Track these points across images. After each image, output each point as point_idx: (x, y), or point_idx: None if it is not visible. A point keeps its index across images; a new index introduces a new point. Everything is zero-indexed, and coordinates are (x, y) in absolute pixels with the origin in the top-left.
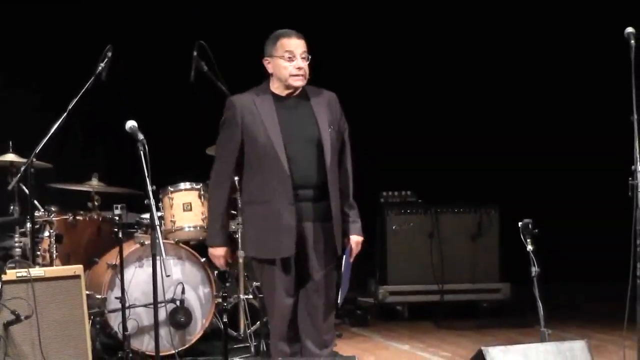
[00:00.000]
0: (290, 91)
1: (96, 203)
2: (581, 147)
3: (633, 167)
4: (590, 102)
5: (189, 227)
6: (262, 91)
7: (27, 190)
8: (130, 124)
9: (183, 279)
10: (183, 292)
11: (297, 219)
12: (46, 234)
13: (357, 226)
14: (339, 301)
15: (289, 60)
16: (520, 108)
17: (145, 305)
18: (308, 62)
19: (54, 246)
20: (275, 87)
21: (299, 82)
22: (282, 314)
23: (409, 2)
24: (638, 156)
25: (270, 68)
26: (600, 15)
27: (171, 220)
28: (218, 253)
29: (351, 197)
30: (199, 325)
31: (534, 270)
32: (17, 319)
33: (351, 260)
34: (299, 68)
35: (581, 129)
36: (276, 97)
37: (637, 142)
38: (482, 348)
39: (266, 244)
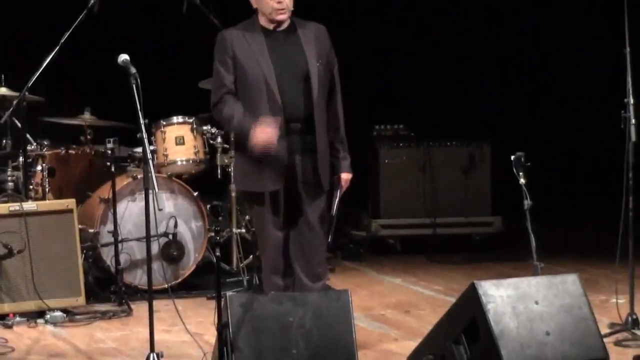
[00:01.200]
0: (276, 24)
1: (89, 137)
2: (574, 79)
3: (626, 99)
4: (583, 34)
5: (182, 160)
6: (251, 25)
7: (19, 124)
8: (123, 57)
9: (175, 212)
10: (175, 225)
11: (288, 152)
12: (39, 167)
13: (347, 163)
14: (329, 239)
15: None
16: (513, 41)
17: (137, 239)
18: None
19: (47, 180)
20: (263, 21)
21: (282, 16)
22: (274, 247)
23: None
24: (630, 89)
25: (254, 3)
26: None
27: (164, 154)
28: (256, 129)
29: (342, 131)
30: (192, 259)
31: (527, 203)
32: (10, 253)
33: (339, 195)
34: (279, 2)
35: (574, 61)
36: (265, 31)
37: (629, 75)
38: (475, 282)
39: (256, 177)
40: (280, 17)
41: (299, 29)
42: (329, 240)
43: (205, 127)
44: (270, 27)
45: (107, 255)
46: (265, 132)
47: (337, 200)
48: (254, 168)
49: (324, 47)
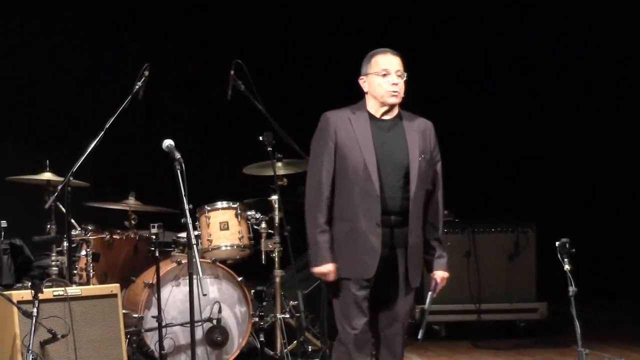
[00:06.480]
0: (385, 110)
1: (133, 222)
2: (620, 164)
3: None
4: (630, 120)
5: (226, 246)
6: (357, 109)
7: (64, 209)
8: (167, 142)
9: (220, 298)
10: (220, 311)
11: (382, 244)
12: (83, 252)
13: (443, 261)
14: (420, 337)
15: (383, 76)
16: (558, 127)
17: (182, 324)
18: (404, 80)
19: (91, 265)
20: (371, 105)
21: (394, 99)
22: (355, 334)
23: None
24: None
25: (365, 87)
26: None
27: (208, 239)
28: (326, 269)
29: (440, 230)
30: (236, 344)
31: (571, 289)
32: (54, 338)
33: (434, 295)
34: (394, 84)
35: (621, 145)
36: (371, 117)
37: None
38: None
39: (348, 263)
40: (392, 100)
41: (405, 121)
42: (420, 336)
43: (249, 213)
44: (378, 113)
45: (151, 340)
46: (325, 275)
47: (430, 297)
48: (347, 254)
49: (429, 143)
